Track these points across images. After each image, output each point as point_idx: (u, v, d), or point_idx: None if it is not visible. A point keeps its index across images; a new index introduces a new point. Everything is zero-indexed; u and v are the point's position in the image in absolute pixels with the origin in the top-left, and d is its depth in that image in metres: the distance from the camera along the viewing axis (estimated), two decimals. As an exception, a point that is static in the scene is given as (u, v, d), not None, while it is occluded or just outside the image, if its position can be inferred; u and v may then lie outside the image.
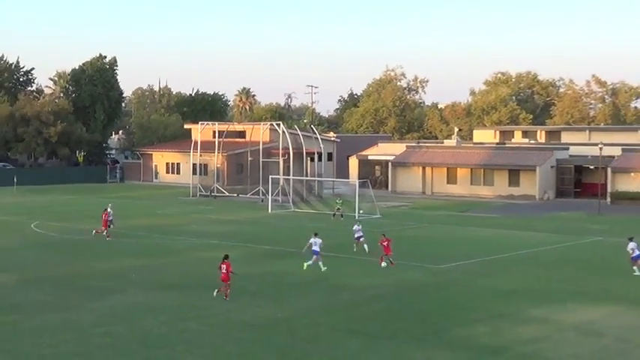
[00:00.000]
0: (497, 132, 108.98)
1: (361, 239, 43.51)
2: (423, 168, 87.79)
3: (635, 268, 36.94)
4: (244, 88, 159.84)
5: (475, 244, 48.22)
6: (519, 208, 72.04)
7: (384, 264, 38.77)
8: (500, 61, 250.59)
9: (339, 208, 61.63)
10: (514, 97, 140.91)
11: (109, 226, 49.18)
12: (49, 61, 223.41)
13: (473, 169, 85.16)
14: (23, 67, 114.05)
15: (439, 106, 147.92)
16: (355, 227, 44.53)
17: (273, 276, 36.37)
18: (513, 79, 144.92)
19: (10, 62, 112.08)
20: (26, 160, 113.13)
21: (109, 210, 49.84)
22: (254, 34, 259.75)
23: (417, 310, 29.78)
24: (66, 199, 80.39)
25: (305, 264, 37.59)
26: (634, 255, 37.05)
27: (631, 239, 37.72)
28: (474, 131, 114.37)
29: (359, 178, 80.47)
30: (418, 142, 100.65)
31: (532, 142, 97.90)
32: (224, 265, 31.63)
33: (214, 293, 31.58)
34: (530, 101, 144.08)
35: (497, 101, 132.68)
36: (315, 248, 37.74)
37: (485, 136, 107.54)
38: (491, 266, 40.10)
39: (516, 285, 34.95)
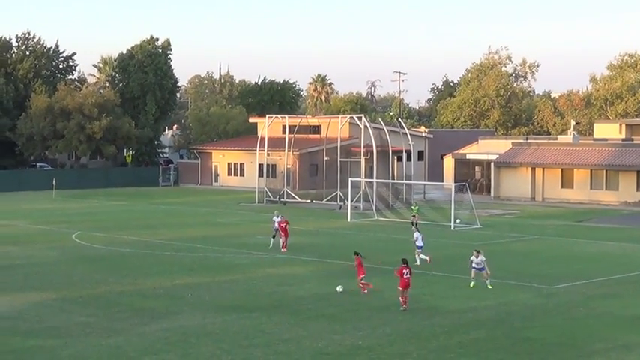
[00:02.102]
0: (623, 126, 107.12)
1: (418, 250, 44.51)
2: (533, 169, 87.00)
3: None
4: (319, 75, 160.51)
5: (595, 261, 47.60)
6: (650, 218, 70.87)
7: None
8: (627, 40, 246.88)
9: (414, 215, 61.78)
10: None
11: (274, 236, 51.02)
12: (92, 45, 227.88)
13: (593, 171, 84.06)
14: (63, 51, 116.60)
15: (552, 96, 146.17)
16: (416, 235, 45.55)
17: (353, 297, 36.44)
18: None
19: (48, 46, 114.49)
20: (67, 160, 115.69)
21: (277, 219, 51.41)
22: (330, 11, 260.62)
23: (524, 339, 29.56)
24: (112, 205, 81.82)
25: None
26: None
27: None
28: (595, 125, 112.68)
29: (455, 182, 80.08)
30: (526, 139, 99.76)
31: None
32: (406, 270, 33.64)
33: (401, 308, 33.11)
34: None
35: (624, 89, 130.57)
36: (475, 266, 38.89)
37: (608, 130, 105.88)
38: (615, 287, 39.53)
39: (645, 310, 34.45)
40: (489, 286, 37.82)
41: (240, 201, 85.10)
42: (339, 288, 36.95)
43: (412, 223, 61.10)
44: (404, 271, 33.78)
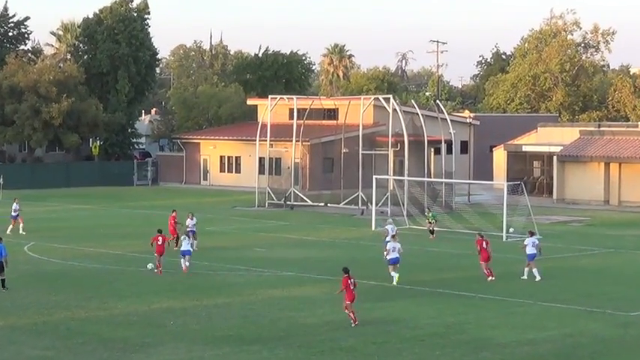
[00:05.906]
0: None
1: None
2: (607, 165, 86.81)
3: (526, 269, 46.52)
4: (336, 46, 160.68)
5: (686, 281, 47.57)
6: None
7: None
8: None
9: (430, 222, 63.63)
10: None
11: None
12: (50, 7, 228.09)
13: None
14: (13, 15, 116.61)
15: (631, 72, 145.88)
16: (389, 227, 52.43)
17: (378, 326, 36.44)
18: None
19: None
20: (17, 153, 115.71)
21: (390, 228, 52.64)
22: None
23: (596, 380, 29.55)
24: (74, 209, 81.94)
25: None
26: (529, 253, 46.44)
27: (532, 234, 48.53)
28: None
29: (508, 180, 79.94)
30: (599, 126, 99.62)
31: None
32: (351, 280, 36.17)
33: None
34: None
35: None
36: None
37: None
38: None
39: None
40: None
41: (235, 204, 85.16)
42: (149, 265, 41.41)
43: (430, 230, 62.42)
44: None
